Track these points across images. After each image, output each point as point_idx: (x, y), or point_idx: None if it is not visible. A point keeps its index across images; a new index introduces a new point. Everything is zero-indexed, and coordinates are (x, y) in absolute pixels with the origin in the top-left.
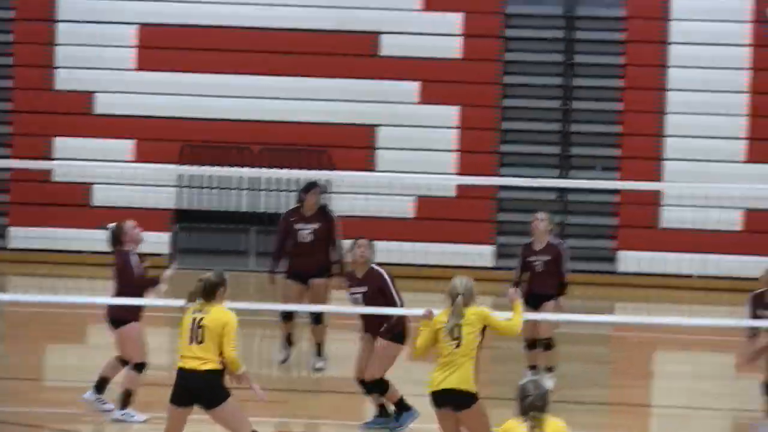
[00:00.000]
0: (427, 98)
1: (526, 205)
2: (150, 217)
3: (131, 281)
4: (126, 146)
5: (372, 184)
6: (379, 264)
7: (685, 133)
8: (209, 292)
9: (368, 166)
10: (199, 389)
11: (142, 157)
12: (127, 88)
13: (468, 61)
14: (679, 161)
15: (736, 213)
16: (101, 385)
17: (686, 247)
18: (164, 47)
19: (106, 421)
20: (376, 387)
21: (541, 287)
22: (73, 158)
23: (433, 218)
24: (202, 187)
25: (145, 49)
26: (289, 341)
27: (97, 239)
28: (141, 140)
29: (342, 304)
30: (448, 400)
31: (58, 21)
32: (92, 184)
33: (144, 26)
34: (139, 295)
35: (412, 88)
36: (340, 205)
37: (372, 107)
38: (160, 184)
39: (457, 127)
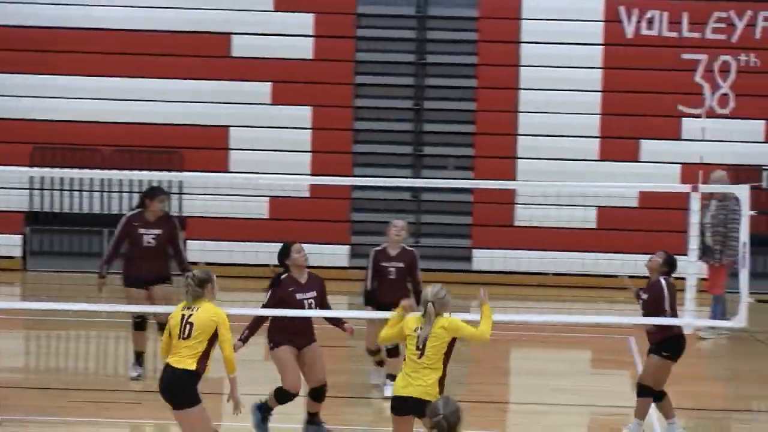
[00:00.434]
0: (279, 98)
1: (381, 205)
2: (1, 220)
3: None
4: None
5: (225, 185)
6: (232, 265)
7: (538, 132)
8: (197, 290)
9: (221, 167)
10: (169, 385)
11: None
12: None
13: (320, 61)
14: (532, 160)
15: (590, 211)
16: None
17: (541, 245)
18: (12, 49)
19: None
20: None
21: (392, 295)
22: None
23: (288, 218)
24: (54, 189)
25: None
26: (139, 360)
27: None
28: None
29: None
30: (411, 408)
31: None
32: None
33: None
34: None
35: (265, 88)
36: (193, 206)
37: (224, 108)
38: (11, 186)
39: (311, 128)
